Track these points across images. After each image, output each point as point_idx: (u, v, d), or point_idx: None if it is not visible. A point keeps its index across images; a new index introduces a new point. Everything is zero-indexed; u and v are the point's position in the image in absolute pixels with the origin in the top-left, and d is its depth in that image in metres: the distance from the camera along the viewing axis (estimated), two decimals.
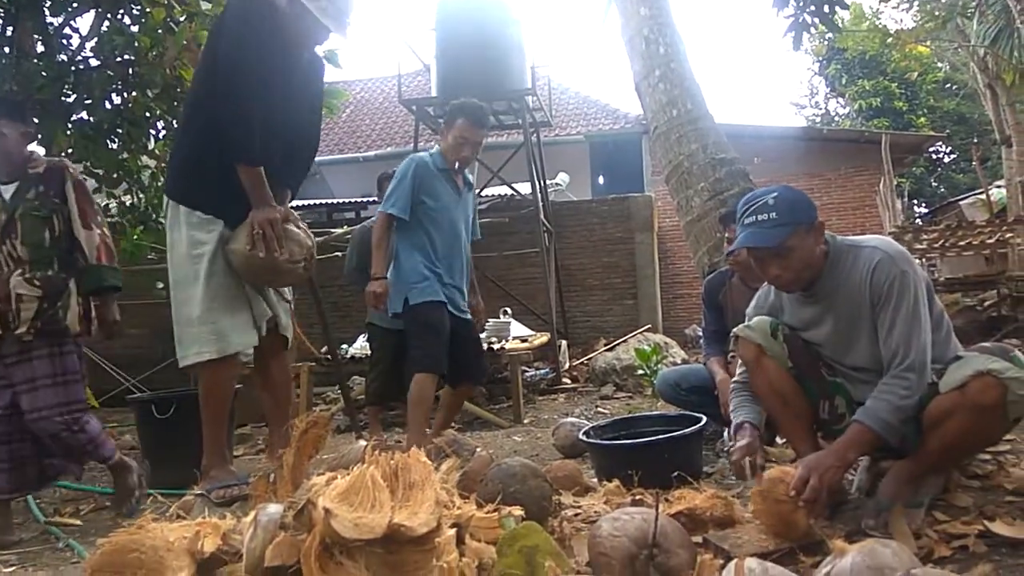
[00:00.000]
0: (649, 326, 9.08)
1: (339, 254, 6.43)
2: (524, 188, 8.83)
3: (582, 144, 13.69)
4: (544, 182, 9.21)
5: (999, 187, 13.43)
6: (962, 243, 7.39)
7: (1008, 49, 11.33)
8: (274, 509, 1.54)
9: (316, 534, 1.39)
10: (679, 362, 6.12)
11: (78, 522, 2.97)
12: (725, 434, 3.41)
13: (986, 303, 7.68)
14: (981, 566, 1.62)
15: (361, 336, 5.94)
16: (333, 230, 7.69)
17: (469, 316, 3.64)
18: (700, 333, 4.35)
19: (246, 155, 2.57)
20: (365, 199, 9.93)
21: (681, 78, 6.29)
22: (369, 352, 5.09)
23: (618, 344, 7.44)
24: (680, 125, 6.15)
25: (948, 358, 2.09)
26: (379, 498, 1.49)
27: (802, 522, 1.82)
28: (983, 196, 11.29)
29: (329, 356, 3.64)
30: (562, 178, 11.48)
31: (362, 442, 2.36)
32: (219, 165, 2.59)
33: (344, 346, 5.96)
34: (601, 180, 14.64)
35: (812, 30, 5.77)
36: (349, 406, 3.83)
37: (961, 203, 14.64)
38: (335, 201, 10.74)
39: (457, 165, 3.54)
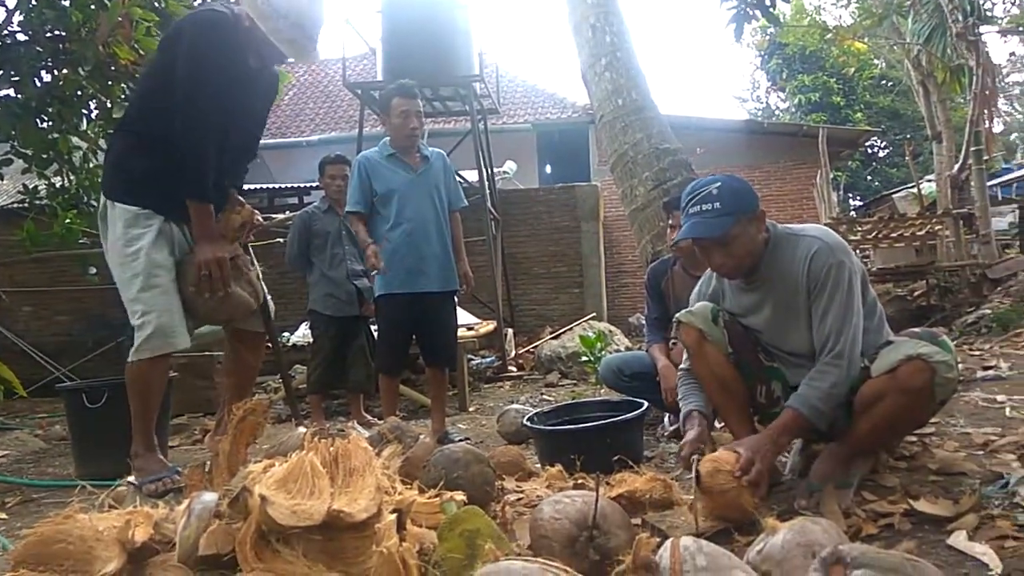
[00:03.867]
0: (594, 314, 9.17)
1: (280, 240, 6.30)
2: (471, 176, 8.79)
3: (529, 133, 13.70)
4: (491, 170, 9.19)
5: (930, 181, 13.95)
6: (894, 235, 7.66)
7: (940, 47, 11.73)
8: (209, 497, 1.50)
9: (252, 522, 1.36)
10: (623, 350, 6.19)
11: (3, 515, 2.85)
12: (666, 419, 3.48)
13: (916, 293, 8.00)
14: (905, 542, 1.69)
15: (303, 324, 5.84)
16: (274, 216, 7.54)
17: (450, 288, 3.70)
18: (643, 321, 4.40)
19: (199, 193, 2.58)
20: (308, 184, 9.75)
21: (627, 67, 6.34)
22: (311, 340, 5.01)
23: (563, 332, 7.49)
24: (625, 114, 6.20)
25: (880, 343, 2.16)
26: (318, 485, 1.47)
27: (748, 503, 1.85)
28: (914, 190, 11.70)
29: (270, 344, 3.57)
30: (509, 166, 11.48)
31: (301, 429, 2.32)
32: (159, 168, 2.56)
33: (285, 334, 5.85)
34: (548, 169, 14.72)
35: (754, 21, 5.88)
36: (290, 395, 3.75)
37: (894, 196, 15.18)
38: (276, 186, 10.52)
39: (408, 141, 3.60)
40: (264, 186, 10.40)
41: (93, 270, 6.10)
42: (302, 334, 5.80)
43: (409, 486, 1.83)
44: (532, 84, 15.50)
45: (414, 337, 3.79)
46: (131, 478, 2.59)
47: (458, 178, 8.98)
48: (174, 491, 2.45)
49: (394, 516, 1.55)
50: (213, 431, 3.02)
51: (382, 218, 3.60)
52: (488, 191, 8.47)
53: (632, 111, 6.19)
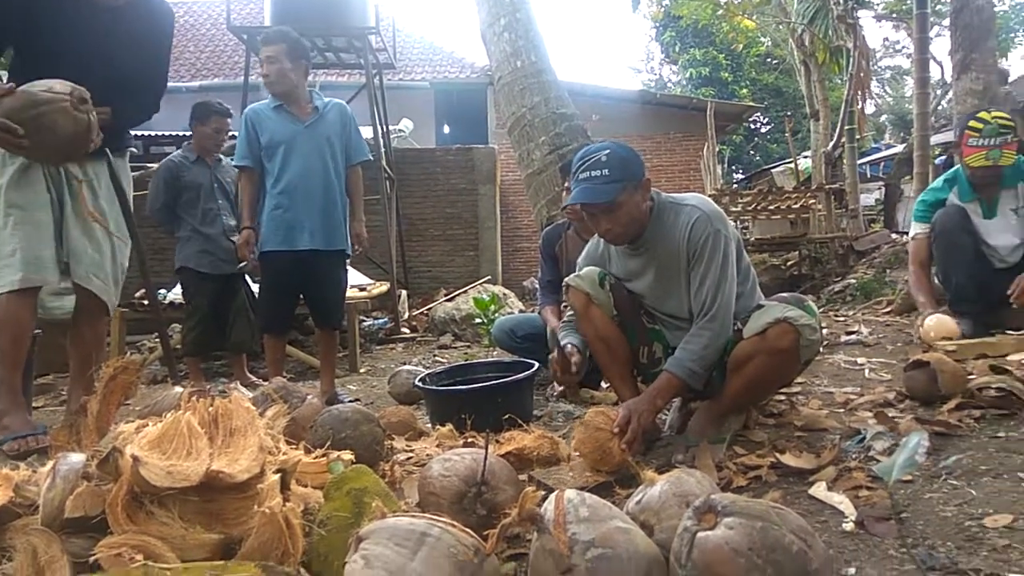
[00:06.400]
0: (489, 277, 9.23)
1: None
2: (365, 132, 8.54)
3: (427, 91, 13.47)
4: (387, 127, 8.99)
5: (806, 157, 14.77)
6: (772, 207, 8.08)
7: (823, 29, 12.34)
8: (76, 458, 1.41)
9: (123, 483, 1.30)
10: (516, 312, 6.26)
11: None
12: None
13: (789, 262, 8.49)
14: (771, 492, 1.81)
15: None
16: (150, 165, 7.08)
17: (335, 247, 3.54)
18: (537, 285, 4.46)
19: None
20: (188, 133, 9.17)
21: (526, 29, 6.32)
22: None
23: (458, 295, 7.49)
24: (524, 76, 6.20)
25: (752, 307, 2.29)
26: (196, 445, 1.41)
27: (616, 451, 1.95)
28: (792, 165, 12.37)
29: (146, 301, 3.37)
30: (405, 124, 11.26)
31: (178, 389, 2.22)
32: None
33: (162, 291, 5.55)
34: (446, 129, 14.54)
35: None
36: (168, 354, 3.57)
37: (773, 171, 16.00)
38: (152, 133, 9.83)
39: (270, 88, 3.44)
40: (139, 133, 9.70)
41: None
42: (179, 291, 5.51)
43: (295, 446, 1.80)
44: (431, 42, 15.23)
45: (303, 297, 3.68)
46: None
47: None
48: (38, 452, 2.30)
49: (277, 476, 1.51)
50: (68, 404, 2.86)
51: (267, 172, 3.46)
52: (383, 149, 8.28)
53: (531, 74, 6.20)
